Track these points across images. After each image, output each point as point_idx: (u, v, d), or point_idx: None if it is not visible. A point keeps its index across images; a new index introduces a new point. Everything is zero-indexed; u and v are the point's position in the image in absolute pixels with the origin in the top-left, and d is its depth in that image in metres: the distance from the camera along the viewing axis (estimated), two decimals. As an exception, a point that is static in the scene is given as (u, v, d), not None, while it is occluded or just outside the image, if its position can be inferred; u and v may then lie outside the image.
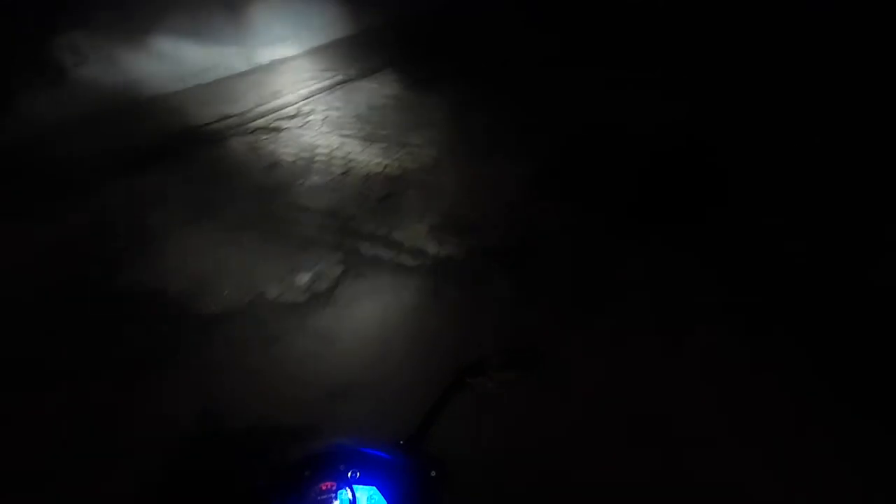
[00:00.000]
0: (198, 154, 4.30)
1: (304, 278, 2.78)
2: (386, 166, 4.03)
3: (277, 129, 4.72)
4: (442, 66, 6.05)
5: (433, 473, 0.87)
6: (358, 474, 0.83)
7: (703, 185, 3.43)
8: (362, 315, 2.53)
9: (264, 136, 4.58)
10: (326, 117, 4.92)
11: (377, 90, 5.56)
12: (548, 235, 3.05)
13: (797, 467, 1.69)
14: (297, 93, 5.49)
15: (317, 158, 4.19)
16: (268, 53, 6.39)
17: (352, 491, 0.82)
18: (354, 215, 3.39)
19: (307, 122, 4.85)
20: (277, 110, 5.13)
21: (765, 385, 2.03)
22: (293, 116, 4.96)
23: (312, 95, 5.48)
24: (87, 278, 2.78)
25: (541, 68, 5.86)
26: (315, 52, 6.84)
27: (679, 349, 2.19)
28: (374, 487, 0.83)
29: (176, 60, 5.43)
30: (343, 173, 3.95)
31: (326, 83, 5.78)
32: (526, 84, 5.54)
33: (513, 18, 7.71)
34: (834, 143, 3.73)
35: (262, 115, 5.00)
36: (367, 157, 4.16)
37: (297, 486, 0.83)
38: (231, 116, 4.92)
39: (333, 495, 0.81)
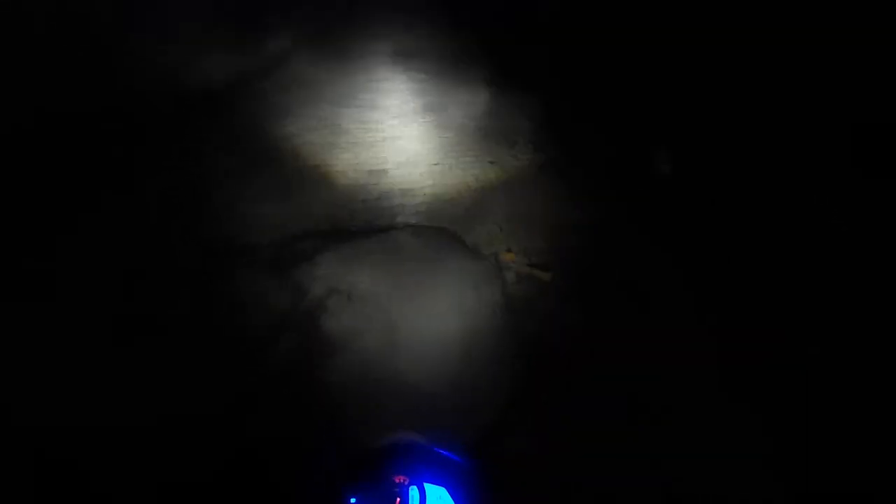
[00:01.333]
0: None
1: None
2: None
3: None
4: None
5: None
6: (429, 475, 0.86)
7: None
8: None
9: None
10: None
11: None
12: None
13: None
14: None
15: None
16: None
17: (421, 489, 0.86)
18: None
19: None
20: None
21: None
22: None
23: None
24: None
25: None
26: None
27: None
28: (445, 489, 0.86)
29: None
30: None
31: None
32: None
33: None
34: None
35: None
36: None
37: (372, 474, 0.88)
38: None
39: (405, 490, 0.85)
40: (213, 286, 2.43)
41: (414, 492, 0.86)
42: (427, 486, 0.87)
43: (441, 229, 2.90)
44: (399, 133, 3.59)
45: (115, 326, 2.15)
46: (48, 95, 3.44)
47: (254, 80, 4.06)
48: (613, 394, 2.01)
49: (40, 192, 2.76)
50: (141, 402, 1.84)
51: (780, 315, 2.40)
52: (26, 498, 1.53)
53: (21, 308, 2.16)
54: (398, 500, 0.85)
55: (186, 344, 2.11)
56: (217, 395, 1.91)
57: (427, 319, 2.33)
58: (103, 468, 1.62)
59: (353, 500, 0.85)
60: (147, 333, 2.16)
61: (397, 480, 0.87)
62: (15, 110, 3.27)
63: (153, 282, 2.44)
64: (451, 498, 0.86)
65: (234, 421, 1.81)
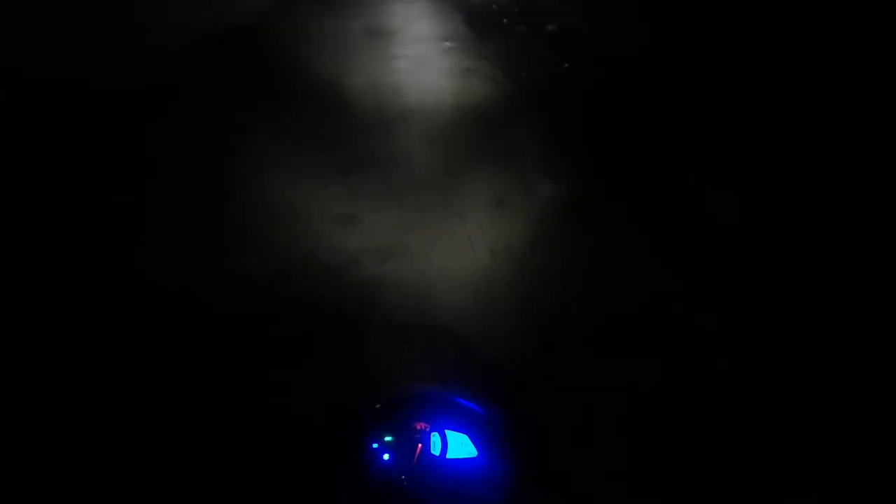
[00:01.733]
0: None
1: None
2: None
3: None
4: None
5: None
6: (451, 421, 0.87)
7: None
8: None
9: None
10: None
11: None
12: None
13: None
14: None
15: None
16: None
17: (443, 436, 0.86)
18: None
19: None
20: None
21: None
22: None
23: None
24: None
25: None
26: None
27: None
28: (466, 435, 0.86)
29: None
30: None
31: None
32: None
33: None
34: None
35: None
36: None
37: (395, 421, 0.89)
38: None
39: (427, 436, 0.86)
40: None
41: (435, 438, 0.86)
42: (448, 432, 0.87)
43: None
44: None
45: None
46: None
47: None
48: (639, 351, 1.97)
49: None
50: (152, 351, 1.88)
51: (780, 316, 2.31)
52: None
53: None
54: (420, 445, 0.86)
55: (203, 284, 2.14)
56: (236, 340, 1.95)
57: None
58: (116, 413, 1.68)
59: (375, 446, 0.86)
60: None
61: (419, 427, 0.87)
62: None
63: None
64: (472, 444, 0.87)
65: (255, 369, 1.85)
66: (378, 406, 0.93)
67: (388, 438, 0.87)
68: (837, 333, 2.01)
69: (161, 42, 3.96)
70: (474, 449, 0.86)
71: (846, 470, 1.53)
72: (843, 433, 1.65)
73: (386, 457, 0.84)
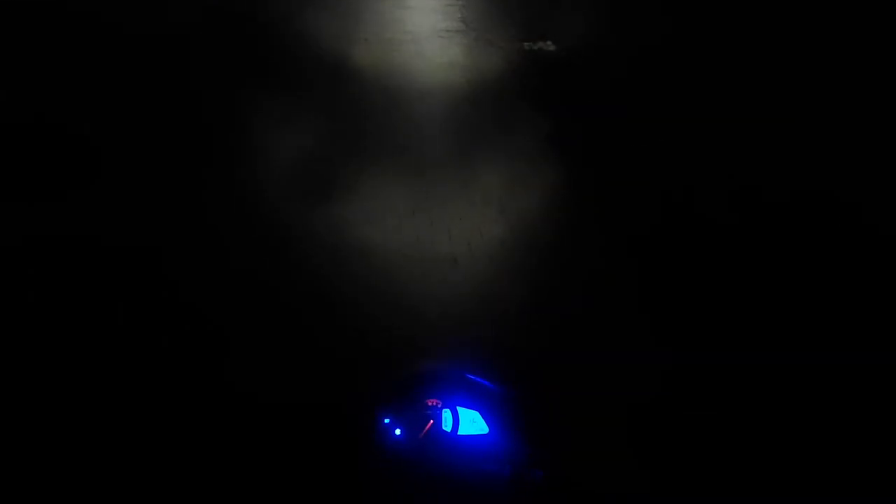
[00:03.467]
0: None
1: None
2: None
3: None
4: None
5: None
6: (463, 397, 0.86)
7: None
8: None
9: None
10: None
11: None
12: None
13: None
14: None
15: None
16: None
17: (454, 412, 0.86)
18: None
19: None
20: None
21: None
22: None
23: None
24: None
25: None
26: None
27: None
28: (478, 412, 0.86)
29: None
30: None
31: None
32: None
33: None
34: None
35: None
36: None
37: (406, 397, 0.89)
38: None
39: (438, 412, 0.86)
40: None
41: (447, 414, 0.86)
42: (460, 409, 0.87)
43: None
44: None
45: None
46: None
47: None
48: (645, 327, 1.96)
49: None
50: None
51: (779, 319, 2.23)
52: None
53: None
54: (431, 422, 0.86)
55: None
56: (252, 316, 1.98)
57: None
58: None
59: (386, 421, 0.86)
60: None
61: (430, 403, 0.87)
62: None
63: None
64: (483, 422, 0.86)
65: (268, 341, 1.87)
66: (389, 383, 0.93)
67: (399, 414, 0.87)
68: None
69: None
70: (486, 426, 0.86)
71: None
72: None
73: (398, 432, 0.85)
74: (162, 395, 1.65)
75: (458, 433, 0.85)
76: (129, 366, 1.74)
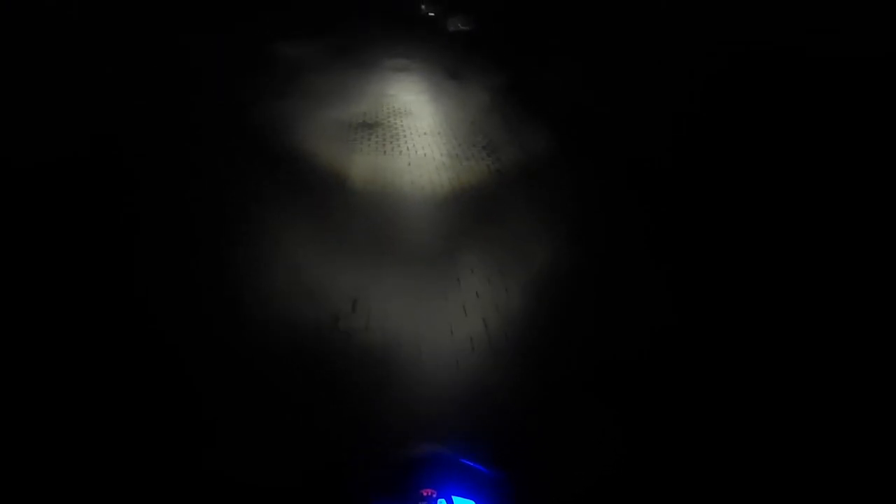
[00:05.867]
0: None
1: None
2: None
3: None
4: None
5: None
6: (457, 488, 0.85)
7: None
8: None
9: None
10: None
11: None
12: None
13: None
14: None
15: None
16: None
17: (449, 501, 0.84)
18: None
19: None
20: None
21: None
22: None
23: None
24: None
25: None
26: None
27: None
28: (473, 502, 0.84)
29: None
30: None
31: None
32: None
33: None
34: None
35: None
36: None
37: (400, 487, 0.87)
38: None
39: (433, 502, 0.84)
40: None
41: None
42: (455, 498, 0.85)
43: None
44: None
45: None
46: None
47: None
48: (635, 397, 1.95)
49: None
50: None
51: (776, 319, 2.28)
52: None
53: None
54: (426, 513, 0.84)
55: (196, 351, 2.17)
56: (244, 400, 1.94)
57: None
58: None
59: None
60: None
61: (425, 493, 0.86)
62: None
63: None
64: (479, 511, 0.85)
65: (262, 427, 1.83)
66: (383, 472, 0.91)
67: None
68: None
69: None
70: (481, 515, 0.84)
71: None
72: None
73: (392, 525, 0.83)
74: (150, 477, 1.59)
75: (454, 525, 0.83)
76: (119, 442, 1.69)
